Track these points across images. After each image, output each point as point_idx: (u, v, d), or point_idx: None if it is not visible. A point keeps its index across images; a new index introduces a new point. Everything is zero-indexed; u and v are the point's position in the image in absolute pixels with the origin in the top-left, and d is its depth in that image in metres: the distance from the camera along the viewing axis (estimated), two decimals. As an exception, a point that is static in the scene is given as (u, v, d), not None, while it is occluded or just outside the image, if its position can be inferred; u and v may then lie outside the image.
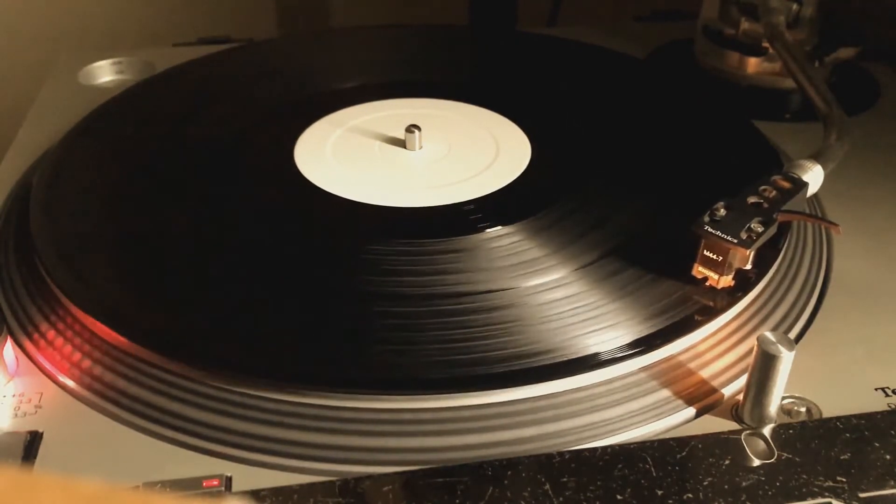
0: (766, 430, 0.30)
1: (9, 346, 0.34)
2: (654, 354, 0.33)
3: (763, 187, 0.37)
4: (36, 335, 0.36)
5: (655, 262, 0.37)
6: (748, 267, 0.36)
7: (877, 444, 0.30)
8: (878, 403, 0.33)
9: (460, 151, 0.47)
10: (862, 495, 0.28)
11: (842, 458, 0.29)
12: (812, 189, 0.38)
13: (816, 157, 0.39)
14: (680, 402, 0.32)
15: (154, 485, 0.29)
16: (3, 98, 0.79)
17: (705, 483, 0.28)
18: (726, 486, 0.28)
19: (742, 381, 0.33)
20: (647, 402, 0.32)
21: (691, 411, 0.32)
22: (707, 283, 0.35)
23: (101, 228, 0.41)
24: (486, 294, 0.35)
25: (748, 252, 0.35)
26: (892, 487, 0.28)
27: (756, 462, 0.29)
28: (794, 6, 0.54)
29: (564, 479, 0.28)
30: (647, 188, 0.44)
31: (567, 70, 0.57)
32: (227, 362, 0.32)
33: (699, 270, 0.36)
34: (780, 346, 0.30)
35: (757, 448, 0.30)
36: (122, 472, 0.30)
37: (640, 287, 0.36)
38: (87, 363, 0.34)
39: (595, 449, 0.29)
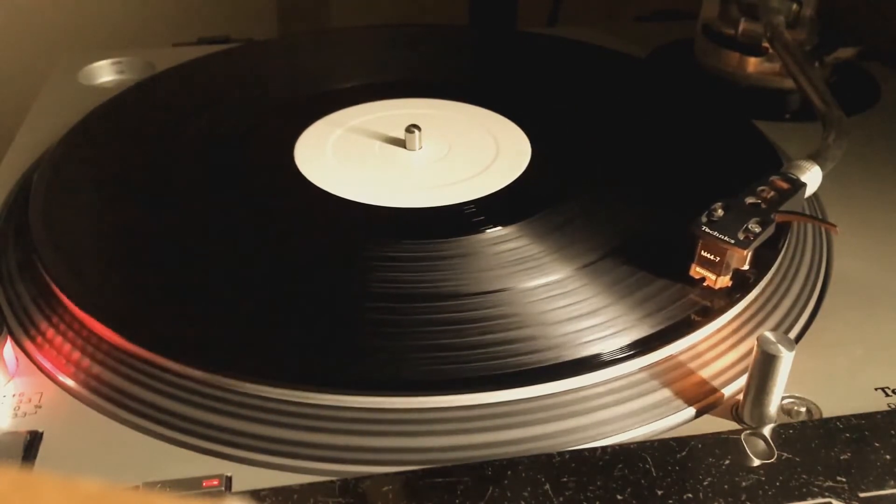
0: (766, 430, 0.30)
1: (9, 346, 0.34)
2: (654, 355, 0.33)
3: (761, 188, 0.37)
4: (36, 335, 0.36)
5: (655, 262, 0.37)
6: (746, 267, 0.36)
7: (877, 444, 0.30)
8: (878, 403, 0.33)
9: (460, 151, 0.47)
10: (862, 495, 0.28)
11: (842, 458, 0.29)
12: (810, 189, 0.38)
13: (815, 157, 0.39)
14: (680, 402, 0.32)
15: (154, 485, 0.29)
16: (3, 98, 0.79)
17: (705, 483, 0.28)
18: (726, 486, 0.28)
19: (742, 381, 0.33)
20: (647, 402, 0.32)
21: (691, 411, 0.32)
22: (705, 284, 0.35)
23: (102, 228, 0.41)
24: (486, 294, 0.35)
25: (745, 252, 0.35)
26: (892, 487, 0.28)
27: (756, 462, 0.29)
28: (794, 6, 0.54)
29: (564, 479, 0.28)
30: (647, 188, 0.44)
31: (567, 70, 0.57)
32: (226, 362, 0.32)
33: (697, 271, 0.36)
34: (780, 346, 0.30)
35: (757, 448, 0.30)
36: (122, 472, 0.30)
37: (640, 287, 0.36)
38: (87, 363, 0.34)
39: (595, 449, 0.29)
